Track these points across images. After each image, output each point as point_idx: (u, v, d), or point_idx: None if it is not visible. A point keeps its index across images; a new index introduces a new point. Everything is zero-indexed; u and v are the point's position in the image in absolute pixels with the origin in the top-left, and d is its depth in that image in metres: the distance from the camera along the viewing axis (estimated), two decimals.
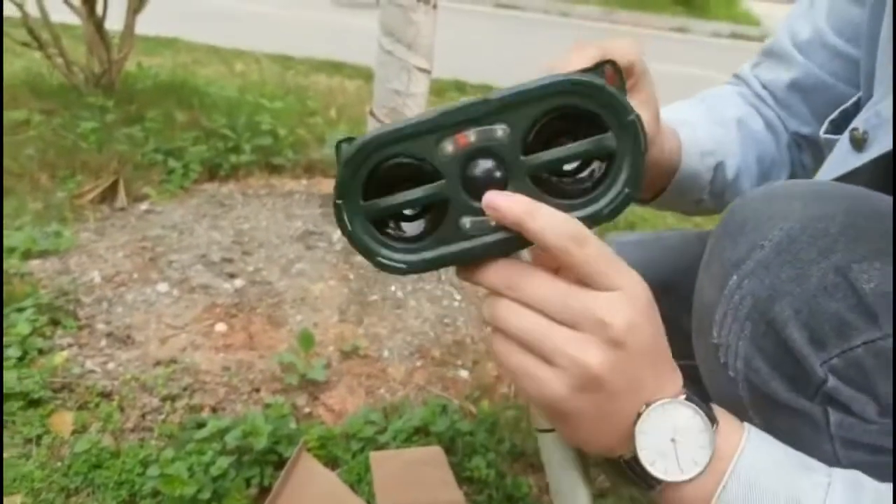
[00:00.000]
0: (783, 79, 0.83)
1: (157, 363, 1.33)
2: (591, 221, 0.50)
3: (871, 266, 0.53)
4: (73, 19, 2.69)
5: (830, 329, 0.53)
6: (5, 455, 1.12)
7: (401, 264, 0.51)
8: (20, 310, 1.40)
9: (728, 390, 0.57)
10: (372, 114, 1.78)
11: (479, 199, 0.49)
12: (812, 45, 0.81)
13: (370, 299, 1.51)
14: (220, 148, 2.22)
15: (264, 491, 1.08)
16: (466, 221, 0.50)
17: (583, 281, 0.47)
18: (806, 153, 0.85)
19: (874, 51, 0.70)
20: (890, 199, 0.56)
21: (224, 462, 1.08)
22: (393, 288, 1.53)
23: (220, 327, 1.43)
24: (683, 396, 0.49)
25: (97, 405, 1.23)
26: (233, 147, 2.22)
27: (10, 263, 1.54)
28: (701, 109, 0.83)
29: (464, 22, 6.99)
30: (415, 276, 1.54)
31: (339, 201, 0.49)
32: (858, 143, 0.65)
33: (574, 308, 0.46)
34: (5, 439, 1.15)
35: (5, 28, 2.54)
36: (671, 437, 0.48)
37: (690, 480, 0.48)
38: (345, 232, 0.50)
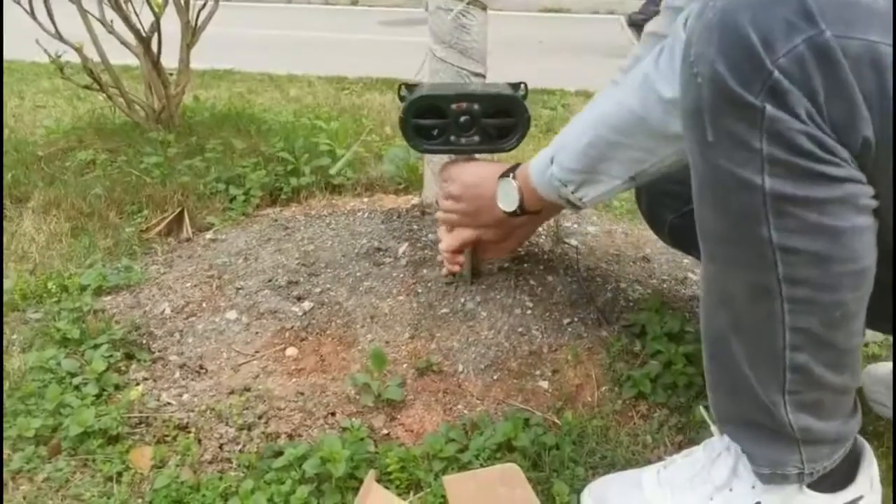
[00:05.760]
0: None
1: (231, 392, 1.31)
2: (499, 151, 1.33)
3: None
4: (130, 59, 2.75)
5: (779, 31, 0.69)
6: (86, 494, 1.11)
7: (421, 146, 1.30)
8: (95, 346, 1.40)
9: (692, 100, 0.77)
10: None
11: (462, 131, 1.28)
12: None
13: (440, 312, 1.46)
14: (280, 172, 2.22)
15: None
16: (453, 138, 1.29)
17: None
18: None
19: None
20: None
21: (304, 491, 1.05)
22: (463, 300, 1.48)
23: (291, 351, 1.41)
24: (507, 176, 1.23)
25: (175, 438, 1.22)
26: (292, 170, 2.22)
27: (84, 301, 1.56)
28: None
29: (511, 26, 6.94)
30: (484, 286, 1.49)
31: (402, 116, 1.27)
32: None
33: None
34: (86, 479, 1.14)
35: (68, 73, 2.61)
36: (504, 189, 1.23)
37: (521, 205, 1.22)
38: (403, 128, 1.29)
